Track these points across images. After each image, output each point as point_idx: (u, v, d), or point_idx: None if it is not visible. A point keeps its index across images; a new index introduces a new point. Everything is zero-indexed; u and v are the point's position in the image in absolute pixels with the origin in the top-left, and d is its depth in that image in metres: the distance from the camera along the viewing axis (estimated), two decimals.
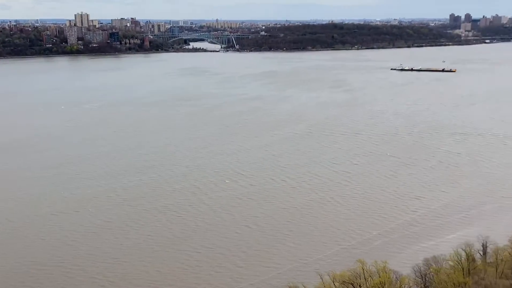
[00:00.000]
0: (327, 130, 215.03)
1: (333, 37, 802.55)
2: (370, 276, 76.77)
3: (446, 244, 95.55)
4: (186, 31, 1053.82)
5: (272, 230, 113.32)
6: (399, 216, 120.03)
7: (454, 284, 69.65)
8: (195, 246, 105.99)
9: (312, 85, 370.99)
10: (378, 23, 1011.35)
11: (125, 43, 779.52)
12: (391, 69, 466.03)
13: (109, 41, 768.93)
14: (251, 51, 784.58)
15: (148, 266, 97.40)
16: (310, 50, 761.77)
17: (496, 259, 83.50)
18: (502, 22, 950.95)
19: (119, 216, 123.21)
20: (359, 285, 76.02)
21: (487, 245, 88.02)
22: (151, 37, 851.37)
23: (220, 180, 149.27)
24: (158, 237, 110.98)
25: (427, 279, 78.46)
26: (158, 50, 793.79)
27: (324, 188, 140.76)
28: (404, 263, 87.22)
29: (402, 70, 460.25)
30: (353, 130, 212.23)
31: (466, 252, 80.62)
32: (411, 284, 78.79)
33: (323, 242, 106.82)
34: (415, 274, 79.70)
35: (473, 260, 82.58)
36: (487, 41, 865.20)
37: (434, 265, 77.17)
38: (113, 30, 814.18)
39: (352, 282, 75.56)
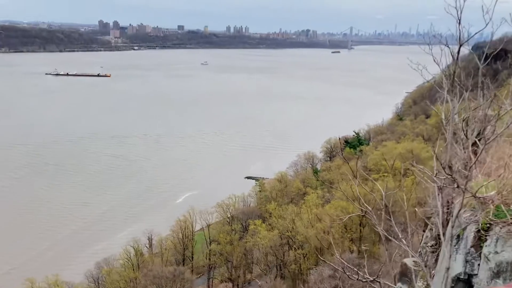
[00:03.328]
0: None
1: None
2: None
3: (117, 244, 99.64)
4: None
5: None
6: (68, 226, 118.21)
7: (125, 281, 74.27)
8: None
9: None
10: (26, 25, 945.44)
11: None
12: (46, 74, 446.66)
13: None
14: None
15: None
16: None
17: (161, 249, 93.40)
18: (147, 31, 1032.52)
19: None
20: None
21: (152, 237, 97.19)
22: None
23: None
24: None
25: (100, 282, 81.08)
26: None
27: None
28: (78, 272, 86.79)
29: (57, 75, 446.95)
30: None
31: (134, 248, 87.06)
32: None
33: None
34: (87, 279, 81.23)
35: (142, 254, 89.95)
36: (135, 48, 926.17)
37: (105, 267, 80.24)
38: None
39: None
